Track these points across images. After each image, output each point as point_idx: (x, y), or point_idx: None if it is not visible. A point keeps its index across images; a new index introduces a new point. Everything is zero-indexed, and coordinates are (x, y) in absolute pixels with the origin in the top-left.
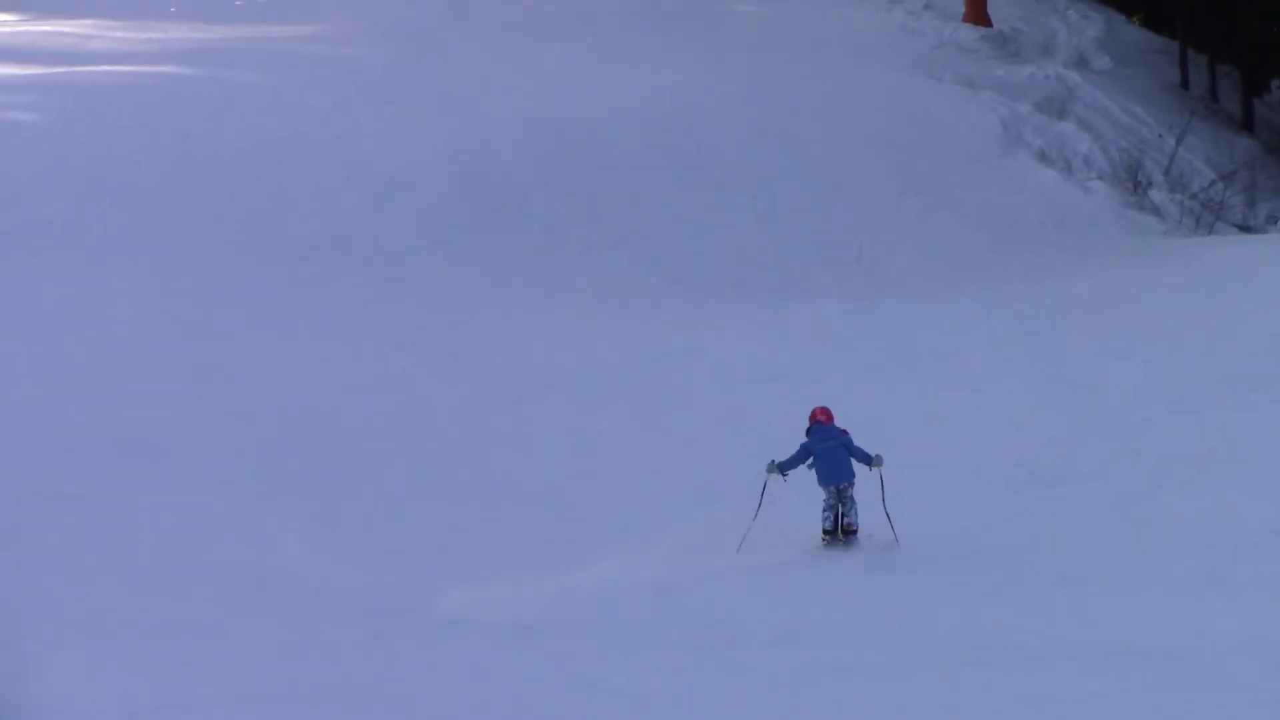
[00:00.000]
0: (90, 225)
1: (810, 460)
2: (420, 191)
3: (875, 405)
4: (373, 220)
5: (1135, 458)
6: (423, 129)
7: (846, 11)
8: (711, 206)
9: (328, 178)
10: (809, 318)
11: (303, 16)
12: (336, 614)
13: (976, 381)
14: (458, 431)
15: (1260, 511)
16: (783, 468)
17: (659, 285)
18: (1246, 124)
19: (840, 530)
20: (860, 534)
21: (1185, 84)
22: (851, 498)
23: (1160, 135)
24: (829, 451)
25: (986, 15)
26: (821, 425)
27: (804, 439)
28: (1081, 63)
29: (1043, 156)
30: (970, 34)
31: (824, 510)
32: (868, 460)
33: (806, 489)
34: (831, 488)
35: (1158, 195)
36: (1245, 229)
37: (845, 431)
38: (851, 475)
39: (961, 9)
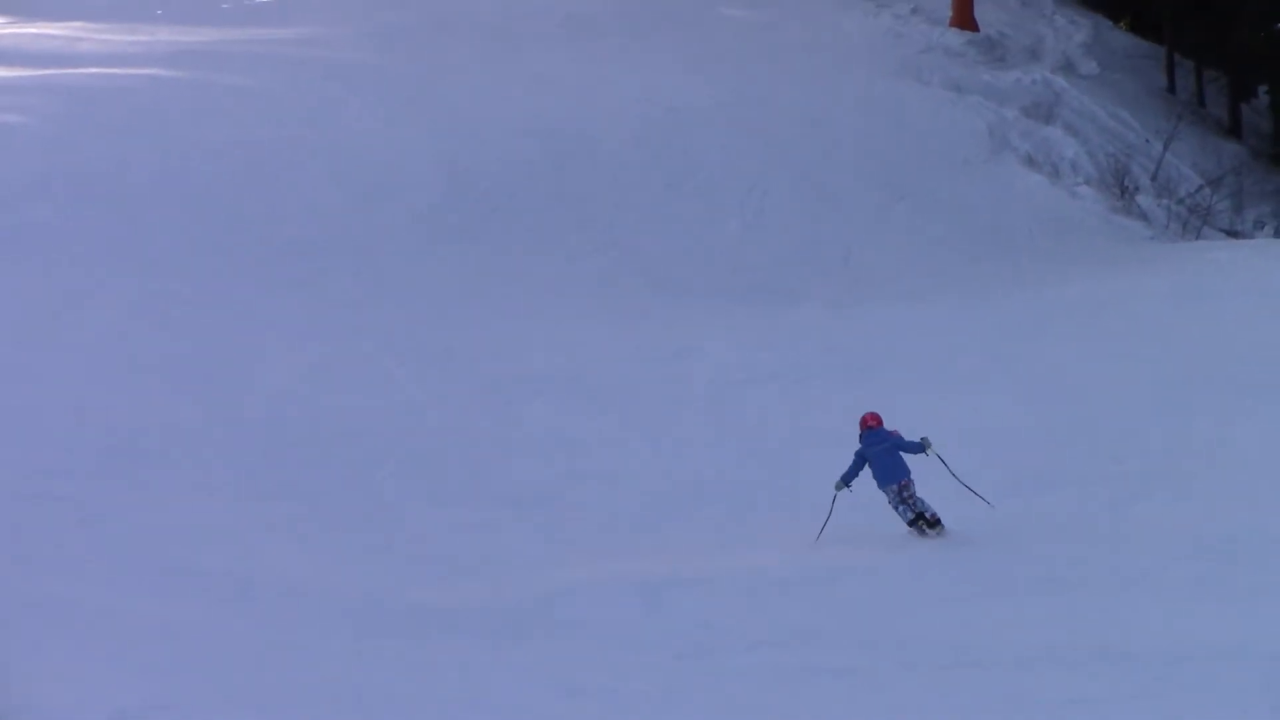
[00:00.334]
0: (77, 228)
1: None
2: (408, 194)
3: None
4: (361, 223)
5: (1123, 462)
6: (411, 132)
7: (834, 16)
8: (699, 211)
9: (315, 180)
10: (796, 322)
11: (290, 19)
12: (323, 615)
13: (964, 386)
14: (445, 434)
15: (1248, 516)
16: (845, 479)
17: (647, 290)
18: (1233, 129)
19: (925, 523)
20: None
21: (1172, 89)
22: (915, 494)
23: (1147, 140)
24: (882, 454)
25: (974, 20)
26: (873, 430)
27: (857, 445)
28: (1068, 68)
29: (1029, 161)
30: (957, 39)
31: (895, 508)
32: (919, 449)
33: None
34: (892, 487)
35: (1145, 200)
36: (1232, 234)
37: (896, 432)
38: (907, 472)
39: (949, 14)
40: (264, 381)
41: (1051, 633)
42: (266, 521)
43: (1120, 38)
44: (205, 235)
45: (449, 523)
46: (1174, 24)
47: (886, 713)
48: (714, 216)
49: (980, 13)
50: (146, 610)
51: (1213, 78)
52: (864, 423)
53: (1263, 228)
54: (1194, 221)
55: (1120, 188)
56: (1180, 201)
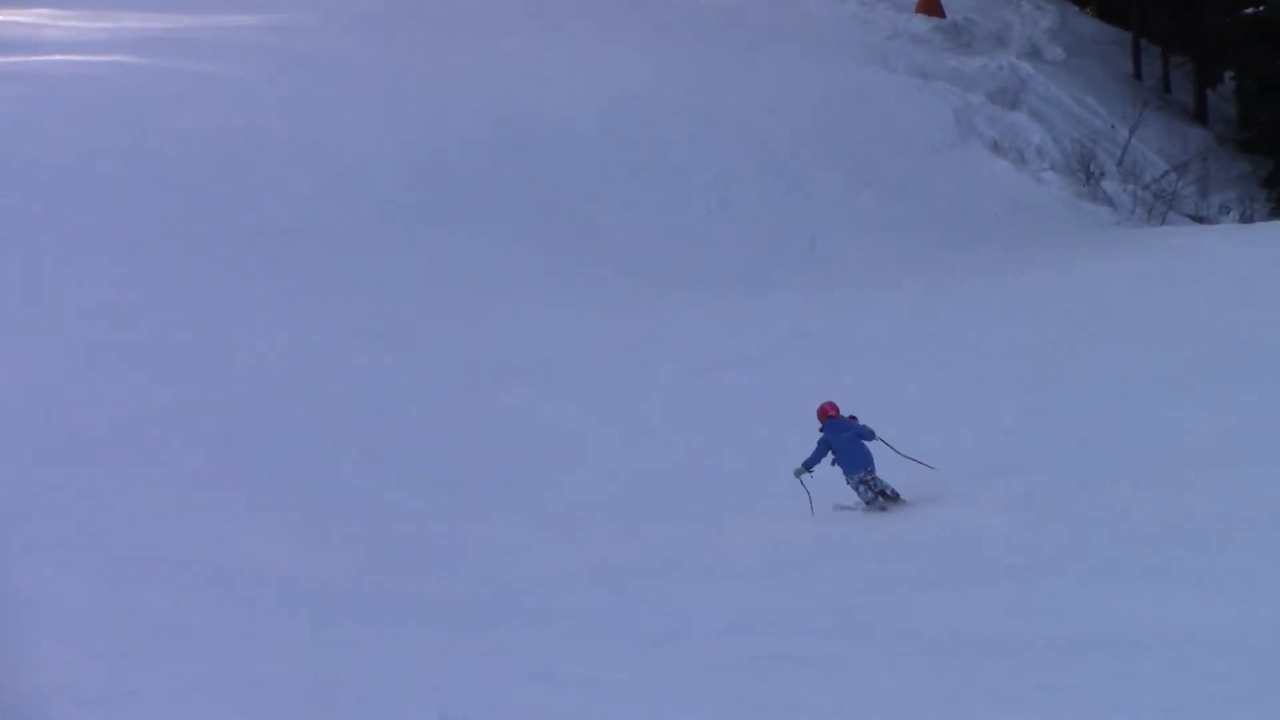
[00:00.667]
0: (43, 215)
1: (831, 457)
2: (377, 181)
3: (829, 396)
4: (329, 210)
5: (1090, 449)
6: (379, 119)
7: (800, 3)
8: (666, 198)
9: (284, 167)
10: (763, 309)
11: (257, 6)
12: (291, 602)
13: (930, 371)
14: (413, 421)
15: (1215, 502)
16: (808, 466)
17: (614, 276)
18: (1199, 115)
19: (885, 498)
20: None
21: (1138, 75)
22: (877, 477)
23: (1113, 126)
24: (847, 443)
25: (940, 6)
26: (834, 419)
27: (819, 435)
28: (1034, 54)
29: (995, 147)
30: (923, 25)
31: (856, 489)
32: (871, 435)
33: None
34: (859, 474)
35: (1110, 186)
36: (1198, 219)
37: (855, 418)
38: (872, 460)
39: (914, 0)
40: (232, 368)
41: (1017, 620)
42: (235, 509)
43: (1086, 23)
44: (172, 222)
45: (417, 510)
46: (1140, 9)
47: (857, 700)
48: (681, 203)
49: None
50: (111, 598)
51: (1179, 63)
52: (824, 412)
53: (1228, 213)
54: (1159, 207)
55: (1086, 173)
56: (1146, 187)
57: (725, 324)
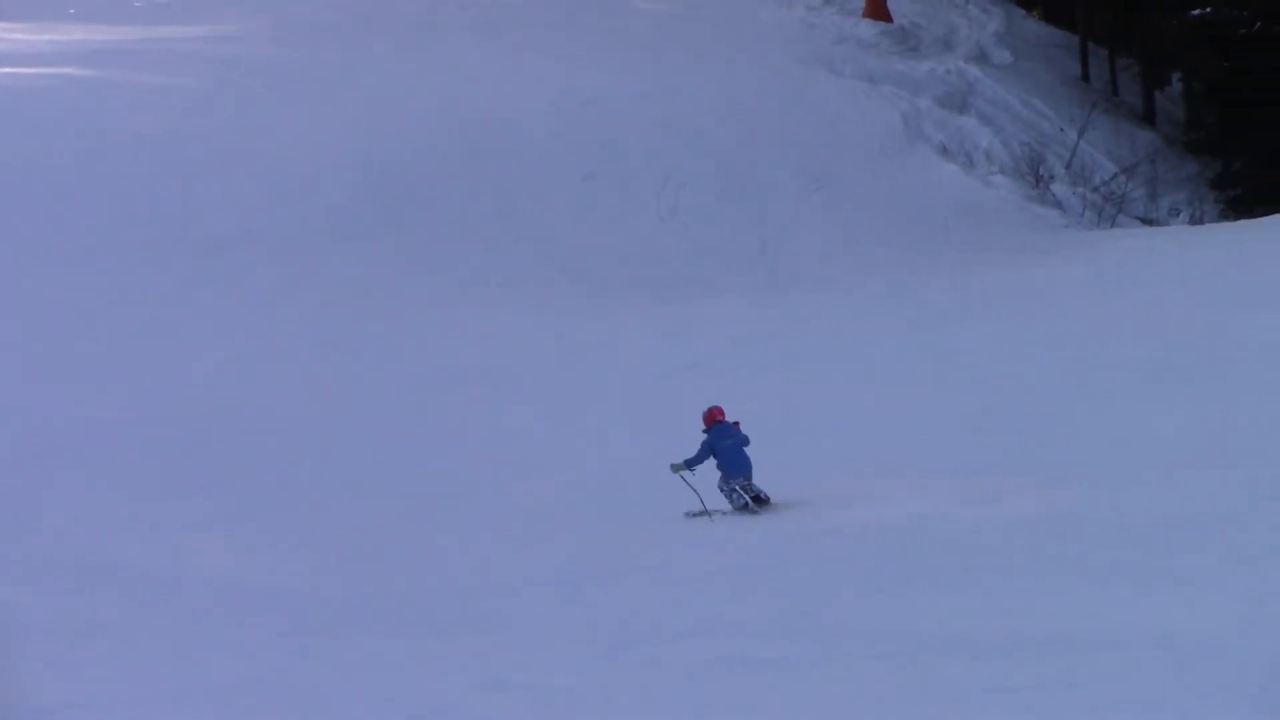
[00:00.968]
0: None
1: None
2: (327, 189)
3: (782, 400)
4: (279, 218)
5: (1043, 450)
6: (328, 127)
7: (748, 7)
8: (617, 202)
9: (233, 176)
10: (714, 313)
11: (204, 17)
12: (245, 612)
13: (883, 375)
14: (365, 427)
15: (1168, 502)
16: (689, 464)
17: (565, 282)
18: (1147, 117)
19: (757, 502)
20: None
21: (1086, 77)
22: (751, 484)
23: (1061, 129)
24: (731, 449)
25: (886, 10)
26: (720, 424)
27: (704, 437)
28: (982, 57)
29: (944, 151)
30: (870, 29)
31: (729, 494)
32: (748, 442)
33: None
34: (739, 480)
35: (1059, 189)
36: (1147, 221)
37: (738, 426)
38: (751, 468)
39: (861, 5)
40: (184, 377)
41: (973, 621)
42: (187, 517)
43: (1033, 26)
44: (122, 232)
45: (370, 517)
46: (1086, 12)
47: (816, 702)
48: (631, 208)
49: (893, 3)
50: (64, 608)
51: (1126, 65)
52: (711, 416)
53: (1177, 215)
54: (1109, 209)
55: (1035, 176)
56: (1095, 189)
57: (676, 328)
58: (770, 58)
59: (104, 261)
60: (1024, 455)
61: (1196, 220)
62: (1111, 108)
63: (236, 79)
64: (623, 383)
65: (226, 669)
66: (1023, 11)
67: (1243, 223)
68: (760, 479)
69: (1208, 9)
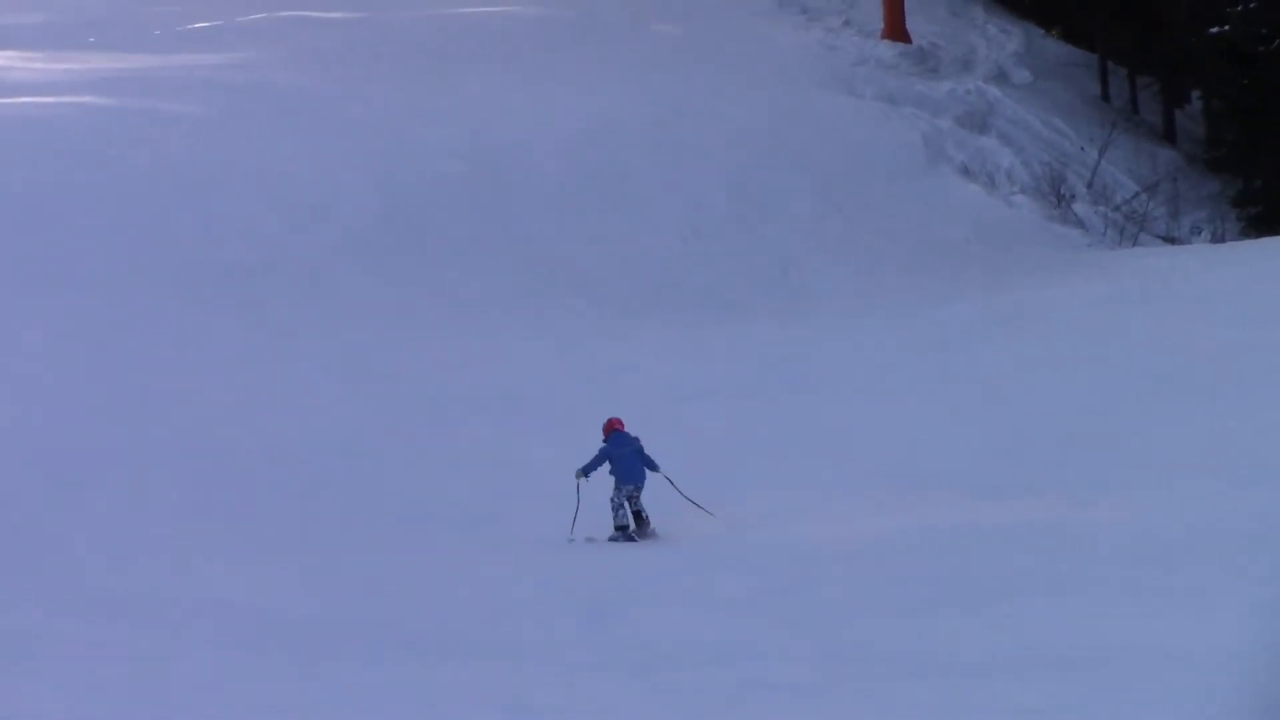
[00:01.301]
0: (12, 255)
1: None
2: (344, 216)
3: (801, 423)
4: (297, 245)
5: (1063, 470)
6: (345, 153)
7: (766, 30)
8: (635, 226)
9: (250, 204)
10: (734, 336)
11: (222, 45)
12: (267, 638)
13: (903, 397)
14: (382, 454)
15: (1188, 519)
16: (585, 470)
17: (584, 306)
18: (1168, 135)
19: (639, 522)
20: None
21: (1106, 96)
22: (639, 499)
23: (1082, 148)
24: (627, 457)
25: (905, 31)
26: (619, 433)
27: (602, 445)
28: (1001, 77)
29: (965, 171)
30: (889, 50)
31: (616, 509)
32: (654, 467)
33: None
34: (629, 487)
35: (1081, 208)
36: (1169, 240)
37: (638, 438)
38: (644, 480)
39: (880, 26)
40: (201, 404)
41: (1002, 641)
42: (207, 545)
43: (1052, 46)
44: (140, 260)
45: (388, 543)
46: (1105, 31)
47: None
48: (650, 231)
49: (912, 24)
50: (86, 635)
51: (1146, 84)
52: (610, 426)
53: (1199, 233)
54: (1130, 228)
55: (1056, 196)
56: (1116, 208)
57: (696, 352)
58: (789, 80)
59: (123, 289)
60: (1045, 473)
61: (1218, 238)
62: (1132, 126)
63: (253, 106)
64: (642, 406)
65: (249, 695)
66: (1042, 31)
67: (1264, 240)
68: (779, 500)
69: (1226, 26)
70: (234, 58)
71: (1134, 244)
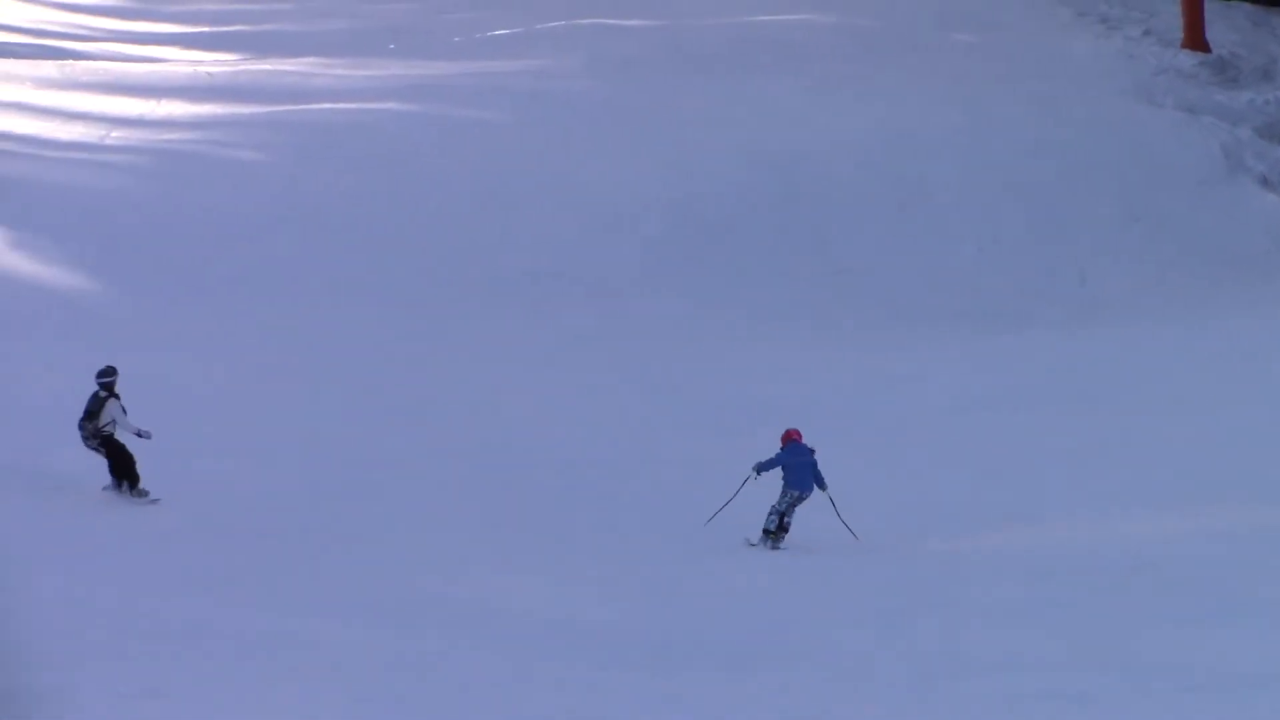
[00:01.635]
0: (314, 262)
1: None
2: (639, 224)
3: (1089, 435)
4: (592, 253)
5: None
6: (640, 161)
7: (1065, 40)
8: (932, 237)
9: (548, 211)
10: (1027, 346)
11: (518, 52)
12: (561, 645)
13: (1196, 410)
14: (679, 463)
15: None
16: (760, 468)
17: (878, 315)
18: None
19: (779, 531)
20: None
21: None
22: (795, 509)
23: None
24: (800, 466)
25: (1205, 40)
26: (795, 443)
27: (779, 451)
28: None
29: (1265, 182)
30: (1189, 60)
31: (771, 514)
32: (822, 484)
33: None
34: (794, 493)
35: None
36: None
37: (814, 450)
38: (811, 489)
39: (1180, 35)
40: (495, 413)
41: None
42: (501, 554)
43: None
44: (439, 267)
45: (682, 554)
46: None
47: None
48: (947, 242)
49: (1212, 34)
50: (382, 643)
51: None
52: (788, 436)
53: None
54: None
55: None
56: None
57: (988, 361)
58: (1087, 89)
59: (420, 296)
60: None
61: None
62: None
63: (550, 113)
64: (933, 415)
65: (543, 702)
66: None
67: None
68: (1065, 514)
69: None
70: (531, 65)
71: None
